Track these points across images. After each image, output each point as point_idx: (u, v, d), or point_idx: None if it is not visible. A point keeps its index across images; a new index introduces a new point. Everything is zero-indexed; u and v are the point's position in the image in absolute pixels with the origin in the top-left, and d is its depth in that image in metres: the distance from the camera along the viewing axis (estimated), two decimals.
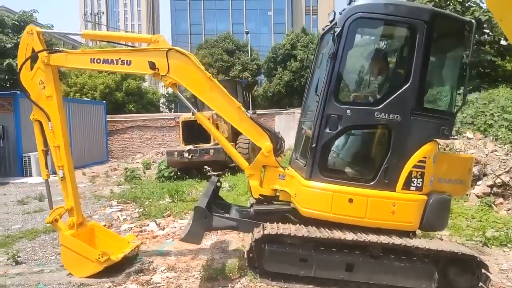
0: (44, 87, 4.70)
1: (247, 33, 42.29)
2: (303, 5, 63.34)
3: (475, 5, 16.13)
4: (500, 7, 2.68)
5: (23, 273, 4.95)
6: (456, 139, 11.25)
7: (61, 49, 4.80)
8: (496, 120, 10.91)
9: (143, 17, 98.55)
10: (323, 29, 4.54)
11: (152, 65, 4.35)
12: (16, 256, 5.32)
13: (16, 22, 22.83)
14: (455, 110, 4.09)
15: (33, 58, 4.66)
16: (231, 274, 4.65)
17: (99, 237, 5.21)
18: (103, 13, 70.05)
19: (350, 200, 3.71)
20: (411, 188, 3.75)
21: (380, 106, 3.73)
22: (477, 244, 5.49)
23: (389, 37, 4.50)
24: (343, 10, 3.91)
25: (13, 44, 22.05)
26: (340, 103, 3.84)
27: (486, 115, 12.47)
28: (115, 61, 4.53)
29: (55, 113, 4.75)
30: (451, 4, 15.72)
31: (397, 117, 3.70)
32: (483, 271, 3.65)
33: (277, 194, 4.55)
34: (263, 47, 44.50)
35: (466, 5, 16.19)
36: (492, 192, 7.71)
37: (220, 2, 60.12)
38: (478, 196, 7.74)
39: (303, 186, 3.87)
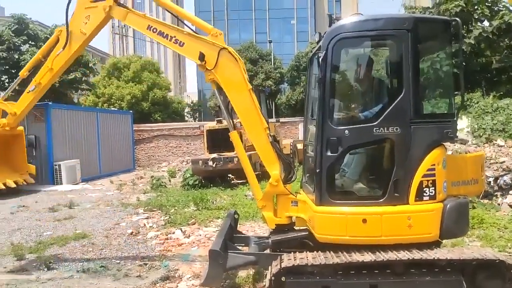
0: (86, 23, 4.86)
1: (270, 42, 42.51)
2: (326, 13, 63.26)
3: (504, 8, 15.70)
4: None
5: (54, 278, 5.10)
6: (464, 143, 10.91)
7: (126, 5, 4.97)
8: None
9: None
10: (311, 51, 4.50)
11: (202, 56, 4.42)
12: (48, 262, 5.49)
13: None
14: (455, 111, 4.01)
15: None
16: (256, 283, 4.64)
17: (14, 150, 5.42)
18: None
19: (364, 221, 3.63)
20: (424, 198, 3.65)
21: (377, 122, 3.68)
22: (510, 255, 5.29)
23: (375, 52, 4.46)
24: (324, 33, 3.90)
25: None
26: (336, 125, 3.83)
27: None
28: (169, 37, 4.62)
29: (74, 48, 4.92)
30: (479, 8, 15.36)
31: (396, 129, 3.64)
32: None
33: (293, 220, 4.47)
34: (286, 55, 44.59)
35: (495, 9, 15.77)
36: None
37: (243, 13, 60.77)
38: (510, 206, 7.46)
39: (314, 213, 3.83)
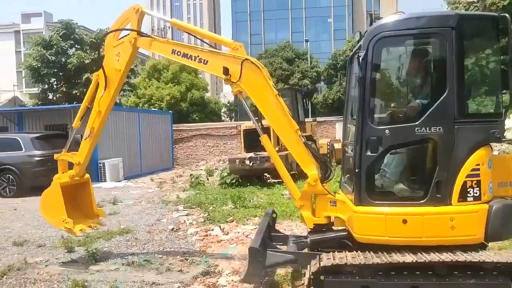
0: (118, 59, 5.11)
1: (306, 41, 42.23)
2: (364, 10, 62.05)
3: None
4: None
5: (102, 270, 5.37)
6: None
7: (149, 34, 5.22)
8: None
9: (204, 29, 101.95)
10: (351, 50, 4.43)
11: (226, 71, 4.53)
12: (95, 255, 5.78)
13: (93, 40, 24.90)
14: (503, 111, 3.84)
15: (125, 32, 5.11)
16: (294, 281, 4.69)
17: (83, 196, 5.80)
18: (169, 27, 74.15)
19: (404, 221, 3.57)
20: (469, 198, 3.55)
21: (419, 121, 3.61)
22: None
23: (417, 50, 4.31)
24: (365, 32, 3.85)
25: (91, 60, 24.06)
26: (377, 124, 3.79)
27: None
28: (193, 58, 4.77)
29: (114, 86, 5.18)
30: None
31: (439, 129, 3.56)
32: None
33: (331, 220, 4.46)
34: (323, 54, 44.19)
35: None
36: None
37: (279, 12, 60.78)
38: None
39: (353, 213, 3.80)
